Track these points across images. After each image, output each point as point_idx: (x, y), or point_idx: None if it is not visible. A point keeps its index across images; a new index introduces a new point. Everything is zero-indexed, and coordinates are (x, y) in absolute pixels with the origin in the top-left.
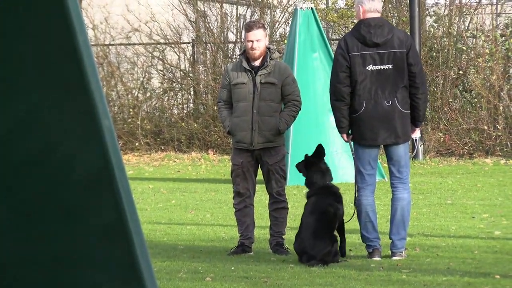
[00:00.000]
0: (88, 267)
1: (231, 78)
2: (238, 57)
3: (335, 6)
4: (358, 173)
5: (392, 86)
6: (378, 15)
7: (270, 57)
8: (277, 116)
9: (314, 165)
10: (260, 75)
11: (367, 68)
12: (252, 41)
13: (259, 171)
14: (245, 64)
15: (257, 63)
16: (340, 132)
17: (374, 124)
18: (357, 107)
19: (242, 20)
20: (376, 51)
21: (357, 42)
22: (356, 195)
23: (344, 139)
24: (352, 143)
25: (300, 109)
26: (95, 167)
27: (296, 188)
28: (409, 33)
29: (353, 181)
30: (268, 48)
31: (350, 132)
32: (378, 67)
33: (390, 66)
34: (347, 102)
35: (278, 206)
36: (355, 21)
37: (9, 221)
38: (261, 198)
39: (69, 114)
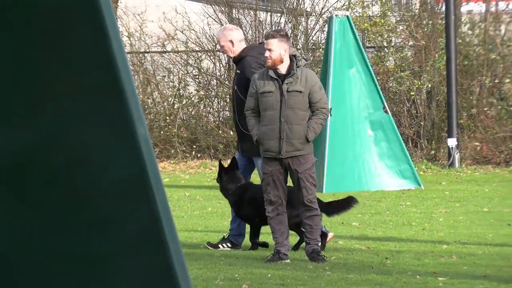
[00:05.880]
0: (123, 276)
1: (258, 87)
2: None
3: (367, 13)
4: None
5: None
6: None
7: (296, 65)
8: (305, 124)
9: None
10: (287, 83)
11: None
12: (266, 50)
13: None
14: (271, 73)
15: (283, 71)
16: None
17: None
18: None
19: (276, 28)
20: None
21: None
22: None
23: None
24: None
25: (327, 117)
26: (130, 175)
27: (332, 196)
28: (444, 41)
29: (389, 189)
30: (294, 56)
31: None
32: None
33: None
34: None
35: (310, 213)
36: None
37: (41, 233)
38: None
39: (103, 121)
